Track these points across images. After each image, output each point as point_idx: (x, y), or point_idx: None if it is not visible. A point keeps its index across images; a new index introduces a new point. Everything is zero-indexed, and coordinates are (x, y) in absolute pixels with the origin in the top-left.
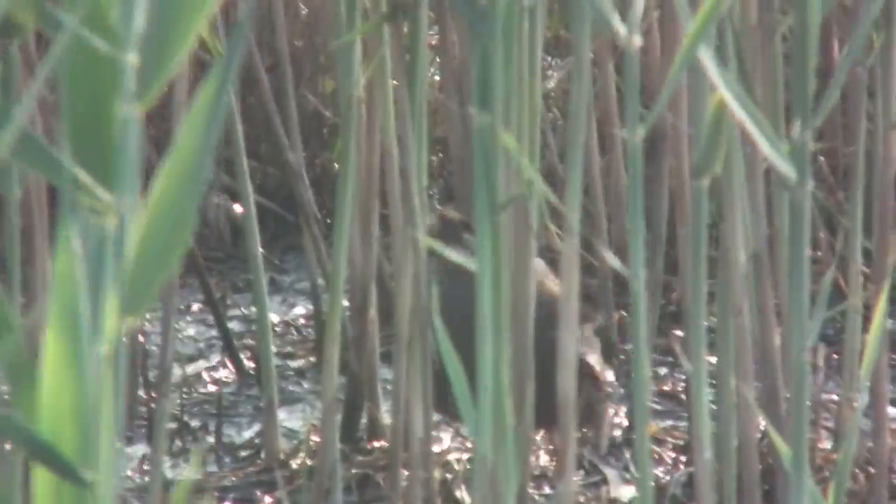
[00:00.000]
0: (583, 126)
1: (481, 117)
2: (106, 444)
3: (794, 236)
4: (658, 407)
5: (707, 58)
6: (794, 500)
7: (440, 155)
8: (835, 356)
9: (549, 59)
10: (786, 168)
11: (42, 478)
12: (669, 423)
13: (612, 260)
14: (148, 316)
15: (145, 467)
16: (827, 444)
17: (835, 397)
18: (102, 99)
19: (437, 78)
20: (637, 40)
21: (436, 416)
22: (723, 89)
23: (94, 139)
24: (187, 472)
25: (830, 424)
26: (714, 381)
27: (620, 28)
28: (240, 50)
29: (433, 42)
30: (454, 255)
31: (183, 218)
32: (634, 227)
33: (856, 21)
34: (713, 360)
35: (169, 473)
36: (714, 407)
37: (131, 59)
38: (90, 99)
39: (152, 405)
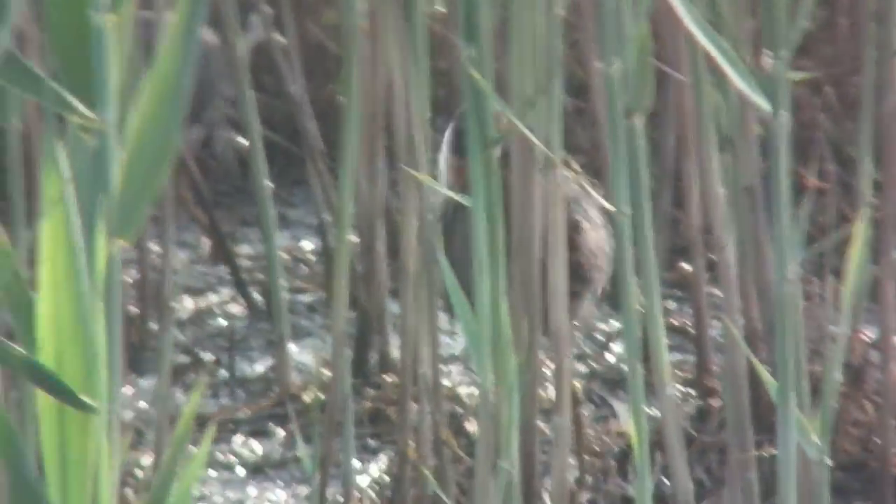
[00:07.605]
0: (558, 58)
1: (467, 51)
2: (105, 368)
3: (772, 168)
4: (667, 341)
5: None
6: (781, 430)
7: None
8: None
9: None
10: (757, 99)
11: (45, 404)
12: (678, 356)
13: (600, 199)
14: (157, 250)
15: None
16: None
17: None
18: (78, 11)
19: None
20: None
21: (445, 352)
22: (688, 23)
23: (75, 54)
24: (191, 403)
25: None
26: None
27: None
28: None
29: None
30: (448, 191)
31: (167, 139)
32: (616, 162)
33: None
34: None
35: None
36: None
37: None
38: (67, 11)
39: None
